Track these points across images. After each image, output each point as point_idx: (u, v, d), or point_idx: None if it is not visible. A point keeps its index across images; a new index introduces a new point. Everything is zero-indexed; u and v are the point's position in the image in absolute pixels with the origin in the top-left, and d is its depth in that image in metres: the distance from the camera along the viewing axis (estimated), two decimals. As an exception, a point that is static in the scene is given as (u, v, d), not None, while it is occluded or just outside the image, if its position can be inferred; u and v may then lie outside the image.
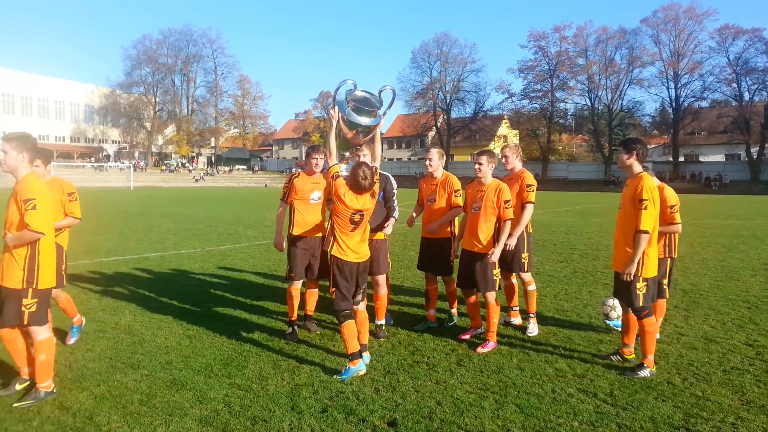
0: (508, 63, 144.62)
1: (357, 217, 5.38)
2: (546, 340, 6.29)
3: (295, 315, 6.48)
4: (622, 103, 77.49)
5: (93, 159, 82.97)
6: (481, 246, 5.97)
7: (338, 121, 5.99)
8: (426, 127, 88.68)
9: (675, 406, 4.54)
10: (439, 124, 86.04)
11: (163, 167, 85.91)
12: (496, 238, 5.96)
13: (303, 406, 4.53)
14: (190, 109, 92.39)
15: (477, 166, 6.03)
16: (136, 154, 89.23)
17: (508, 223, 5.93)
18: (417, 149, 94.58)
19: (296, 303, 6.47)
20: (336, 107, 6.00)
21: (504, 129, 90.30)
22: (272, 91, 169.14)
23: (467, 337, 6.31)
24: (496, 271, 5.95)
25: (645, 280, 5.23)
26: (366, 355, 5.53)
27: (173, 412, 4.40)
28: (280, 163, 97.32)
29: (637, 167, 5.28)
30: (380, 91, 6.27)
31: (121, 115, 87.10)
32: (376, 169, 5.74)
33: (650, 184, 5.14)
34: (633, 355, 5.57)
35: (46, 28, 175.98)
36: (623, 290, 5.36)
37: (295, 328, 6.40)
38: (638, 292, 5.22)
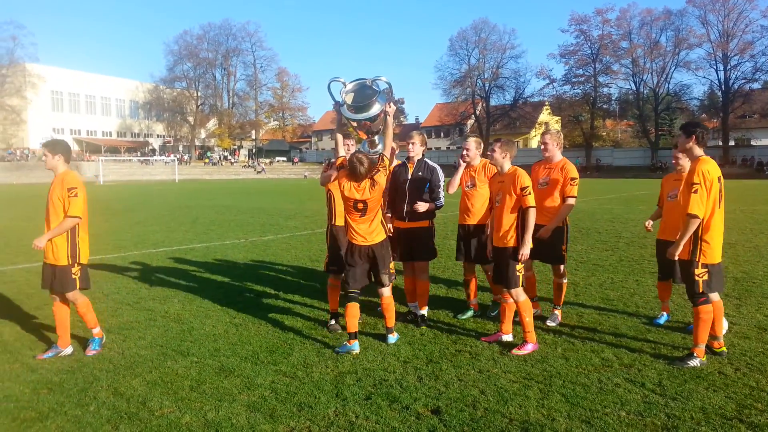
0: (548, 48, 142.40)
1: (360, 205, 5.55)
2: (591, 330, 6.20)
3: (336, 306, 6.54)
4: (668, 87, 75.09)
5: (139, 153, 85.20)
6: (504, 240, 5.61)
7: (343, 117, 5.95)
8: (465, 116, 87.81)
9: (727, 396, 4.42)
10: (477, 112, 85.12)
11: (206, 160, 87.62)
12: (520, 230, 5.56)
13: (347, 393, 4.59)
14: (230, 103, 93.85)
15: (488, 154, 5.92)
16: (180, 148, 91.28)
17: (531, 211, 5.47)
18: (456, 138, 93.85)
19: (337, 295, 6.52)
20: (338, 106, 5.95)
21: (545, 116, 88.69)
22: (310, 83, 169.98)
23: (489, 340, 5.88)
24: (520, 266, 5.57)
25: (705, 266, 5.08)
26: (392, 337, 5.80)
27: (222, 397, 4.52)
28: (319, 155, 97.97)
29: (698, 151, 5.15)
30: (374, 80, 5.96)
31: (165, 110, 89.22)
32: (382, 157, 5.73)
33: (705, 167, 4.99)
34: (723, 348, 5.37)
35: (91, 27, 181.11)
36: (684, 275, 5.28)
37: (338, 319, 6.46)
38: (697, 278, 5.09)
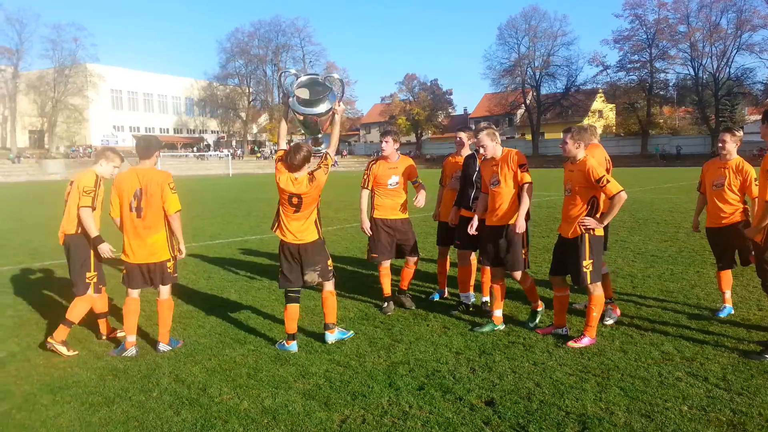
0: (602, 34, 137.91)
1: (295, 200, 5.39)
2: (651, 322, 6.02)
3: (388, 290, 6.74)
4: (729, 71, 71.69)
5: (195, 149, 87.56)
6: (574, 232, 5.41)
7: (290, 109, 5.72)
8: (515, 105, 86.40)
9: (798, 392, 4.22)
10: (528, 102, 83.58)
11: (258, 155, 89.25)
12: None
13: (400, 383, 4.61)
14: (281, 98, 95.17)
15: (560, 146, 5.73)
16: (233, 143, 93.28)
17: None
18: (505, 128, 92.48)
19: (387, 280, 6.71)
20: (288, 98, 5.71)
21: (599, 103, 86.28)
22: (358, 76, 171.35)
23: (544, 333, 5.77)
24: (587, 262, 5.29)
25: None
26: (329, 335, 5.65)
27: (278, 385, 4.61)
28: (368, 147, 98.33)
29: None
30: (326, 77, 5.90)
31: (219, 106, 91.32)
32: (326, 155, 5.65)
33: None
34: None
35: (147, 27, 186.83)
36: (757, 263, 5.13)
37: (390, 302, 6.71)
38: None
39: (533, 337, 5.67)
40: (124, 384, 4.74)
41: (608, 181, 5.15)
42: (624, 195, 5.17)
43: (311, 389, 4.53)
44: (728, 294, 6.30)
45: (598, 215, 5.33)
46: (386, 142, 6.72)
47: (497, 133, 5.97)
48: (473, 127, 6.76)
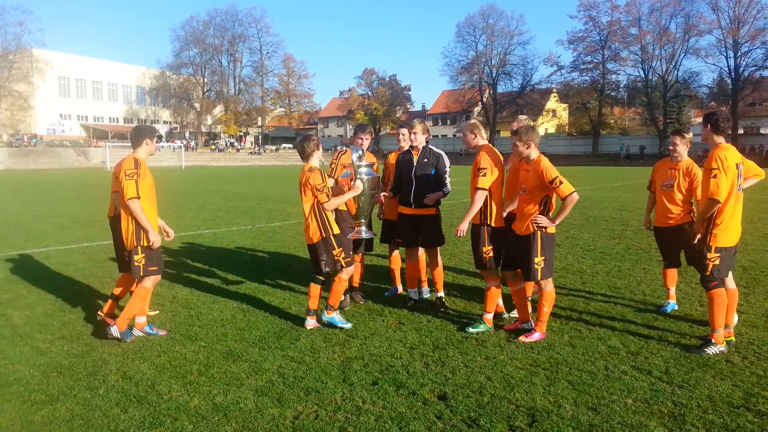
0: (556, 34, 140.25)
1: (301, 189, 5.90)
2: (598, 318, 6.20)
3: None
4: (677, 74, 74.31)
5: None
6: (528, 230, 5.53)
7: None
8: (471, 103, 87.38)
9: (734, 384, 4.41)
10: (484, 99, 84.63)
11: (213, 147, 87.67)
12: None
13: (354, 378, 4.61)
14: (237, 89, 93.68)
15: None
16: (187, 134, 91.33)
17: (570, 198, 5.31)
18: (462, 125, 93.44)
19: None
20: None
21: (553, 103, 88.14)
22: (316, 69, 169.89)
23: (510, 329, 5.87)
24: (538, 259, 5.39)
25: (718, 250, 5.10)
26: (326, 315, 5.93)
27: (230, 381, 4.55)
28: (326, 142, 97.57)
29: (717, 138, 5.18)
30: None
31: (172, 96, 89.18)
32: (325, 190, 5.77)
33: (722, 153, 5.03)
34: (732, 337, 5.32)
35: (98, 12, 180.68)
36: (697, 259, 5.32)
37: (347, 296, 6.73)
38: (709, 261, 5.12)
39: (485, 332, 5.75)
40: (69, 381, 4.59)
41: (561, 183, 5.25)
42: (576, 196, 5.30)
43: (264, 385, 4.48)
44: (673, 290, 6.54)
45: (550, 214, 5.45)
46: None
47: (480, 126, 6.13)
48: (411, 123, 6.71)
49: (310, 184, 5.72)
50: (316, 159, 5.88)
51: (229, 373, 4.74)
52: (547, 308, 5.53)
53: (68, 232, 12.96)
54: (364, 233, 6.31)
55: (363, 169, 6.05)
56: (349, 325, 5.92)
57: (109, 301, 6.12)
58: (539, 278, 5.44)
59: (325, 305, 6.01)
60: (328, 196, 5.76)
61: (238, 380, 4.58)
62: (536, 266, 5.40)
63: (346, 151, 6.70)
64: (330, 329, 5.84)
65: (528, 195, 5.48)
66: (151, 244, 5.43)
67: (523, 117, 6.48)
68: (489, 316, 5.88)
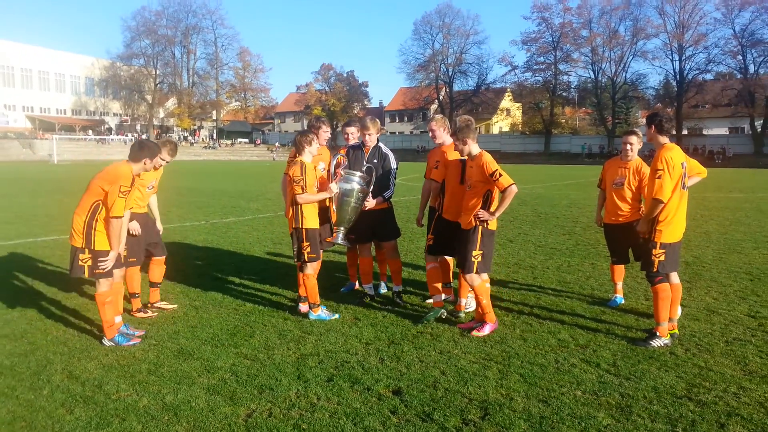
0: (511, 35, 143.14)
1: None
2: (549, 312, 6.34)
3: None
4: (625, 76, 76.54)
5: (94, 132, 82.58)
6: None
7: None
8: (428, 101, 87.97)
9: (678, 376, 4.59)
10: (441, 97, 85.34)
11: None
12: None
13: (309, 375, 4.59)
14: (190, 82, 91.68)
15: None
16: (138, 127, 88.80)
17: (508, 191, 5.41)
18: (419, 122, 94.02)
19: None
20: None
21: (507, 102, 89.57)
22: (273, 63, 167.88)
23: (465, 327, 5.86)
24: (476, 252, 5.52)
25: (663, 246, 5.27)
26: (302, 306, 6.19)
27: (181, 380, 4.46)
28: (282, 137, 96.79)
29: (662, 139, 5.36)
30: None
31: (122, 88, 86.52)
32: (303, 185, 5.85)
33: (668, 154, 5.19)
34: (676, 330, 5.50)
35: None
36: (643, 254, 5.49)
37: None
38: (654, 257, 5.29)
39: (440, 326, 5.81)
40: (11, 382, 4.42)
41: (500, 175, 5.36)
42: (514, 188, 5.38)
43: (216, 384, 4.41)
44: (620, 285, 6.74)
45: (491, 209, 5.53)
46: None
47: (446, 121, 6.36)
48: (365, 123, 6.72)
49: (289, 175, 5.90)
50: (307, 154, 6.02)
51: (180, 371, 4.64)
52: (485, 300, 5.60)
53: (12, 227, 12.45)
54: (340, 240, 6.29)
55: (355, 179, 6.10)
56: (336, 316, 6.05)
57: (133, 300, 6.19)
58: (474, 271, 5.52)
59: (308, 305, 6.07)
60: (303, 189, 5.85)
61: (189, 379, 4.49)
62: (473, 259, 5.51)
63: (339, 160, 6.65)
64: (284, 326, 5.79)
65: (472, 190, 5.60)
66: (101, 266, 5.14)
67: (438, 116, 6.60)
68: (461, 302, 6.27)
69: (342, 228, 6.27)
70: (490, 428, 3.76)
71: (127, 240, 5.70)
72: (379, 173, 6.54)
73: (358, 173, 6.19)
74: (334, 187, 6.05)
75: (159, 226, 6.59)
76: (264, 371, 4.65)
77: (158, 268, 6.45)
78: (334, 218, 6.30)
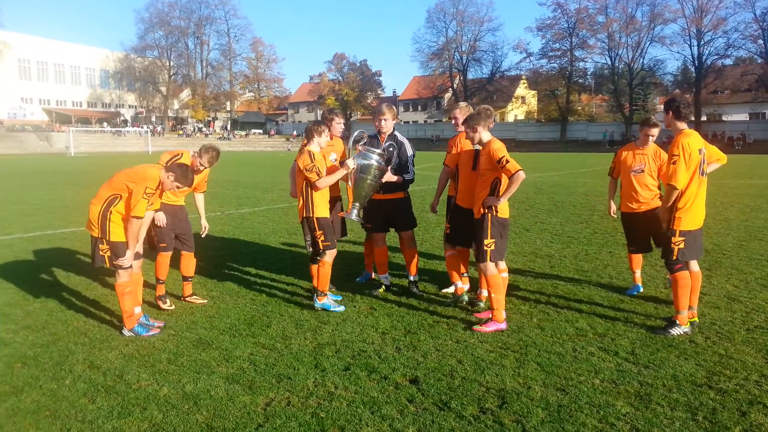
0: (526, 21, 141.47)
1: None
2: (566, 301, 6.30)
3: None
4: (643, 62, 75.31)
5: (110, 124, 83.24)
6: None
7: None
8: (442, 89, 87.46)
9: (698, 364, 4.54)
10: (455, 86, 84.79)
11: (180, 132, 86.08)
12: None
13: (326, 364, 4.61)
14: (204, 73, 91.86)
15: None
16: (153, 119, 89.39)
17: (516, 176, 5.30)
18: (433, 111, 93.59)
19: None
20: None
21: (522, 90, 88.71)
22: (286, 53, 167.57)
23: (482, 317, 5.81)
24: (488, 241, 5.42)
25: (682, 234, 5.20)
26: (318, 302, 5.99)
27: (200, 369, 4.50)
28: (296, 127, 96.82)
29: (680, 124, 5.26)
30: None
31: (137, 80, 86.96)
32: (315, 169, 5.81)
33: (684, 140, 5.10)
34: (696, 318, 5.45)
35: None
36: (663, 242, 5.42)
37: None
38: (674, 245, 5.22)
39: (456, 315, 5.80)
40: (34, 372, 4.49)
41: (507, 161, 5.26)
42: (522, 174, 5.26)
43: (235, 373, 4.45)
44: (638, 273, 6.68)
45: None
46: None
47: (471, 108, 6.32)
48: (381, 109, 6.68)
49: (299, 165, 5.85)
50: (315, 144, 5.97)
51: (199, 361, 4.69)
52: (496, 294, 5.40)
53: (31, 219, 12.62)
54: (354, 216, 6.24)
55: (374, 156, 6.07)
56: (342, 308, 6.01)
57: (158, 286, 6.24)
58: (488, 259, 5.43)
59: (314, 292, 6.05)
60: (318, 174, 5.80)
61: (208, 368, 4.54)
62: (485, 248, 5.43)
63: (361, 135, 6.64)
64: (301, 316, 5.82)
65: (482, 178, 5.56)
66: (119, 260, 5.20)
67: (462, 104, 6.56)
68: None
69: (357, 204, 6.24)
70: (508, 417, 3.75)
71: (155, 228, 5.89)
72: (395, 161, 6.50)
73: (377, 150, 6.16)
74: (351, 163, 5.98)
75: (204, 222, 6.61)
76: (282, 360, 4.68)
77: (189, 261, 6.44)
78: (350, 194, 6.28)
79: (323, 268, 5.96)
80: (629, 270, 6.88)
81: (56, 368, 4.56)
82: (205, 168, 6.11)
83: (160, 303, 6.14)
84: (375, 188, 6.22)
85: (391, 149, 6.44)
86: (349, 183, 6.17)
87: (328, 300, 6.03)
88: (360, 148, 6.24)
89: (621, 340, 5.08)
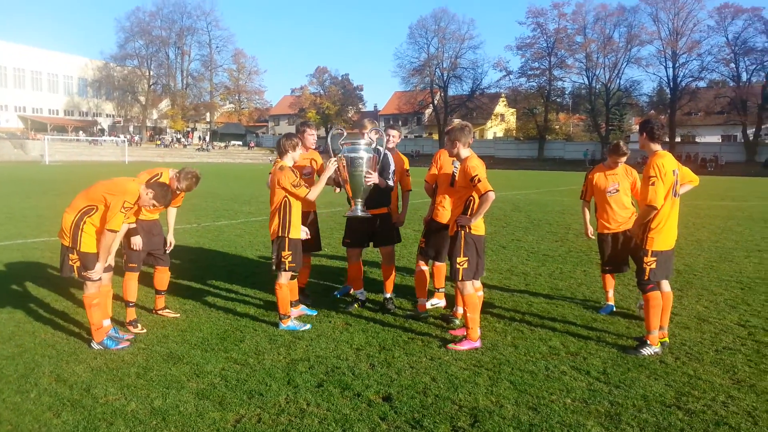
0: (506, 40, 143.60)
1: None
2: (540, 319, 6.34)
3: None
4: (619, 83, 76.86)
5: (86, 133, 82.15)
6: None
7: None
8: (423, 105, 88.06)
9: (667, 384, 4.59)
10: (436, 102, 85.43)
11: (158, 142, 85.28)
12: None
13: (299, 380, 4.57)
14: (184, 83, 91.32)
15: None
16: (131, 128, 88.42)
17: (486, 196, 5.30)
18: (414, 127, 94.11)
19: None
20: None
21: (501, 107, 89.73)
22: (268, 66, 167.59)
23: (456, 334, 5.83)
24: (461, 259, 5.36)
25: (654, 254, 5.28)
26: (282, 325, 5.84)
27: (170, 384, 4.43)
28: (276, 140, 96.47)
29: (654, 146, 5.36)
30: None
31: (115, 89, 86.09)
32: (300, 182, 5.75)
33: (659, 161, 5.21)
34: (666, 338, 5.49)
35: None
36: (636, 262, 5.52)
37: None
38: (646, 265, 5.30)
39: (431, 332, 5.80)
40: (-3, 386, 4.38)
41: (479, 181, 5.21)
42: (491, 195, 5.21)
43: (205, 388, 4.38)
44: (611, 293, 6.76)
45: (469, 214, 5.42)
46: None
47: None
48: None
49: (281, 184, 5.68)
50: (290, 158, 5.88)
51: (168, 375, 4.61)
52: (471, 314, 5.36)
53: (2, 228, 12.36)
54: (360, 212, 6.17)
55: (360, 147, 6.02)
56: (308, 326, 5.89)
57: (127, 309, 5.93)
58: (460, 278, 5.38)
59: (277, 316, 5.93)
60: (307, 188, 5.74)
61: (178, 383, 4.46)
62: (458, 266, 5.38)
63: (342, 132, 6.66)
64: (275, 331, 5.77)
65: (458, 194, 5.57)
66: (88, 272, 5.12)
67: (456, 121, 6.67)
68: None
69: (359, 200, 6.19)
70: (480, 436, 3.75)
71: (126, 248, 5.74)
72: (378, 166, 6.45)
73: (363, 140, 6.09)
74: (331, 163, 5.92)
75: (170, 238, 6.33)
76: (254, 376, 4.63)
77: (163, 276, 6.31)
78: (349, 193, 6.22)
79: (280, 291, 5.81)
80: (602, 289, 6.96)
81: (21, 381, 4.46)
82: (182, 191, 5.97)
83: (131, 328, 5.79)
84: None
85: (376, 146, 6.34)
86: (341, 181, 6.14)
87: (293, 322, 5.91)
88: (343, 142, 6.16)
89: (593, 360, 5.12)
